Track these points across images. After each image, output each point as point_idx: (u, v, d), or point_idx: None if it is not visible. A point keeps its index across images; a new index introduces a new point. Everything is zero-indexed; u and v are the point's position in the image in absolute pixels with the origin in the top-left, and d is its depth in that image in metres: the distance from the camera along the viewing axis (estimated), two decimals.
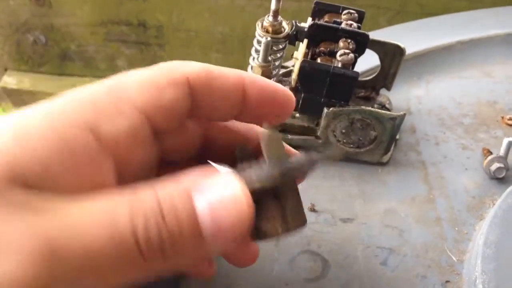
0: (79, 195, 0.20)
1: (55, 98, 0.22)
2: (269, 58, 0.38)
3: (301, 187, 0.37)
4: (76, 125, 0.21)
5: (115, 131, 0.22)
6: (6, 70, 1.19)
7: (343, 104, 0.37)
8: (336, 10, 0.41)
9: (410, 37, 0.53)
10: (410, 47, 0.43)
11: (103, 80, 0.23)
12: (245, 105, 0.26)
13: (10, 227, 0.18)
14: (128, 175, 0.23)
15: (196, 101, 0.24)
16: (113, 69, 1.12)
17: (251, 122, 0.28)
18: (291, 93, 0.27)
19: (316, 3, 0.41)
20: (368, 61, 0.45)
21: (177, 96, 0.23)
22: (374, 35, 0.40)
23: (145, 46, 1.05)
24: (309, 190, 0.38)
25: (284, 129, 0.40)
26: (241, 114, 0.26)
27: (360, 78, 0.43)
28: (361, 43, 0.38)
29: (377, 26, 0.80)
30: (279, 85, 0.27)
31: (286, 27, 0.38)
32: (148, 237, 0.19)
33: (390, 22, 0.85)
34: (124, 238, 0.19)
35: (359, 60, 0.38)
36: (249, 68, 0.39)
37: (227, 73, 0.25)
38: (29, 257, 0.17)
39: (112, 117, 0.22)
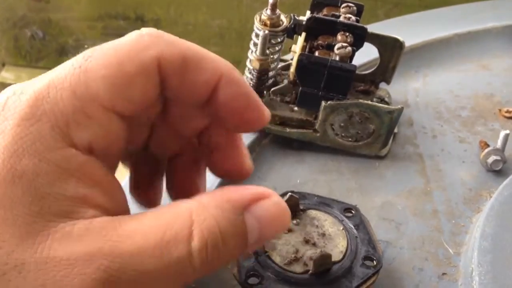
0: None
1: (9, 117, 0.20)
2: (267, 51, 0.38)
3: (298, 181, 0.38)
4: (58, 146, 0.20)
5: (88, 137, 0.21)
6: (4, 65, 1.19)
7: (341, 98, 0.38)
8: (335, 4, 0.41)
9: (408, 30, 0.53)
10: (408, 40, 0.43)
11: (65, 75, 0.21)
12: (212, 103, 0.24)
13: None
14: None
15: (163, 87, 0.23)
16: None
17: (217, 122, 0.26)
18: (264, 110, 0.25)
19: None
20: (367, 54, 0.46)
21: (147, 89, 0.22)
22: (372, 28, 0.40)
23: None
24: (307, 184, 0.38)
25: (283, 122, 0.40)
26: (206, 109, 0.25)
27: (359, 72, 0.43)
28: (359, 37, 0.38)
29: (375, 19, 0.80)
30: (254, 98, 0.25)
31: (284, 20, 0.38)
32: (204, 255, 0.20)
33: (388, 15, 0.85)
34: (181, 258, 0.20)
35: (358, 53, 0.38)
36: (247, 61, 0.39)
37: (204, 66, 0.23)
38: (92, 282, 0.19)
39: (82, 125, 0.21)
